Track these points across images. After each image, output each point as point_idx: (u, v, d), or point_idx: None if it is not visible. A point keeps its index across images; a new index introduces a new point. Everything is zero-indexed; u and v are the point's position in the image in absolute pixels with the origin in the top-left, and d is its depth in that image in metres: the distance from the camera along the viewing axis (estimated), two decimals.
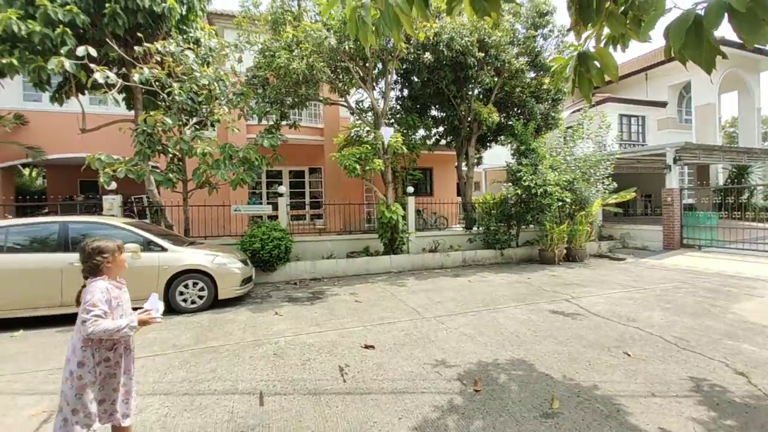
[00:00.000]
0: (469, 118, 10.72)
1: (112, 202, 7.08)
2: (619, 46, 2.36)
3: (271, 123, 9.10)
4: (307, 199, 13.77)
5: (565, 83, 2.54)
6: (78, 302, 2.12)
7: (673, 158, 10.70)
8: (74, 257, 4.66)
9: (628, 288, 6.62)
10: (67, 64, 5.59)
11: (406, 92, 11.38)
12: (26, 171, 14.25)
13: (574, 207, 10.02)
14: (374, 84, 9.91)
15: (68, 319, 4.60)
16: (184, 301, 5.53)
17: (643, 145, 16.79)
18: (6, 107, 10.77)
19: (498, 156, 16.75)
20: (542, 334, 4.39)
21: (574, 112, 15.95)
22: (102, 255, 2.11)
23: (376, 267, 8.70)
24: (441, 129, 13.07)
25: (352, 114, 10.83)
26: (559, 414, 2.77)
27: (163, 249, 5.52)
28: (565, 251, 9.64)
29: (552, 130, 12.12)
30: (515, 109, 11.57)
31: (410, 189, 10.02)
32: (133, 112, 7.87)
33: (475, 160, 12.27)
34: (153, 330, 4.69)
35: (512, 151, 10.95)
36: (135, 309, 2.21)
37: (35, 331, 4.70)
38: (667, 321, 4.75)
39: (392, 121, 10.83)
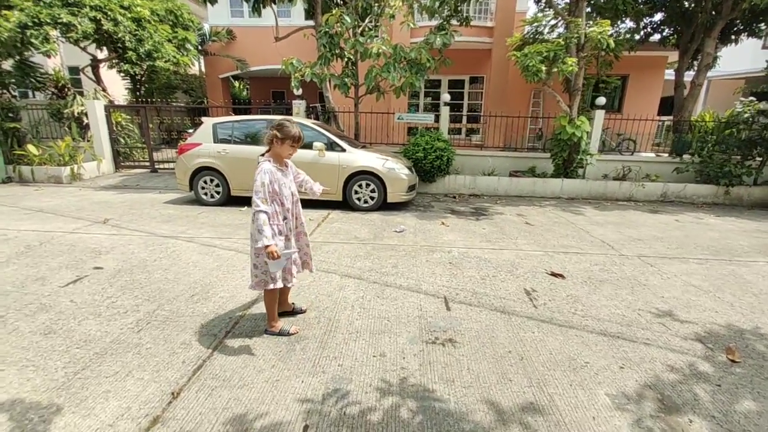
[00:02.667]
0: None
1: (299, 106, 7.85)
2: None
3: (441, 21, 8.18)
4: (465, 112, 12.78)
5: None
6: None
7: None
8: None
9: None
10: None
11: None
12: (236, 83, 17.35)
13: None
14: None
15: None
16: (359, 200, 5.95)
17: None
18: (220, 24, 12.77)
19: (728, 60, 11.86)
20: None
21: None
22: (280, 131, 2.24)
23: (542, 190, 7.67)
24: (657, 18, 9.72)
25: (537, 2, 8.77)
26: None
27: (343, 149, 5.87)
28: None
29: None
30: None
31: (601, 100, 7.97)
32: (311, 22, 8.16)
33: (710, 61, 8.75)
34: (337, 221, 5.24)
35: None
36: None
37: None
38: None
39: (589, 8, 8.38)
